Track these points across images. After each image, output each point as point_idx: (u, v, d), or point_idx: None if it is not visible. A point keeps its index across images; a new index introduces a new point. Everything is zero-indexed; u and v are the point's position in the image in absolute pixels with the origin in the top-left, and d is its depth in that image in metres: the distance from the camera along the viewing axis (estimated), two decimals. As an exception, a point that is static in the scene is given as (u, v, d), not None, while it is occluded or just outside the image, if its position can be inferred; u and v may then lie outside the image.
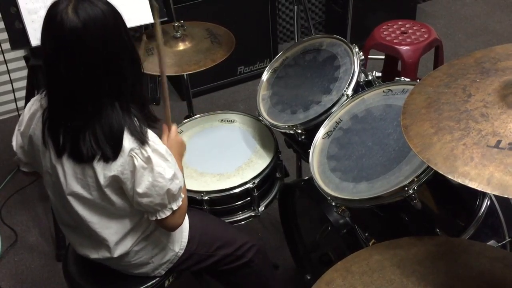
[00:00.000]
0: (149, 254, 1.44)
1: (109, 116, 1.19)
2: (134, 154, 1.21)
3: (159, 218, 1.30)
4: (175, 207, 1.30)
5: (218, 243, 1.56)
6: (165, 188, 1.25)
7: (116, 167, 1.21)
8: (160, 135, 1.30)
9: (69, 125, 1.20)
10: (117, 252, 1.38)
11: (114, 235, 1.35)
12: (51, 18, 1.12)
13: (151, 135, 1.25)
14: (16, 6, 1.78)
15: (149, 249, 1.43)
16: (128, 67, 1.21)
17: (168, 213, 1.30)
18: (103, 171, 1.22)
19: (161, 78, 1.53)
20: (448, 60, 1.21)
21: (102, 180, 1.23)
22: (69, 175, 1.25)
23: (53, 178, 1.30)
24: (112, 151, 1.20)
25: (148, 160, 1.22)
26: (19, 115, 1.37)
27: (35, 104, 1.30)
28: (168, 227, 1.36)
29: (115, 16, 1.17)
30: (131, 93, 1.23)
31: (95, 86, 1.17)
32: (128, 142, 1.21)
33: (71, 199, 1.29)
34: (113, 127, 1.19)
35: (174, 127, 1.49)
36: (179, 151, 1.49)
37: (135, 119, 1.24)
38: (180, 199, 1.32)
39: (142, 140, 1.22)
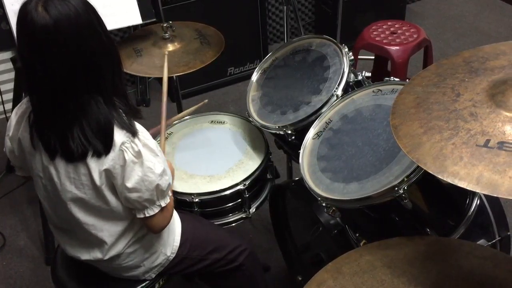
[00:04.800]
0: (141, 257, 1.43)
1: (95, 111, 1.17)
2: (125, 148, 1.20)
3: (147, 215, 1.28)
4: (163, 204, 1.29)
5: (210, 247, 1.56)
6: (155, 183, 1.24)
7: (108, 161, 1.20)
8: (145, 126, 1.29)
9: (54, 124, 1.18)
10: (109, 254, 1.37)
11: (109, 237, 1.34)
12: (22, 18, 1.10)
13: (140, 128, 1.24)
14: (2, 7, 1.76)
15: (141, 252, 1.42)
16: (105, 61, 1.19)
17: (156, 210, 1.29)
18: (97, 167, 1.21)
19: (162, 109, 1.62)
20: (437, 60, 1.21)
21: (96, 178, 1.22)
22: (62, 175, 1.24)
23: (44, 180, 1.29)
24: (103, 145, 1.19)
25: (138, 155, 1.21)
26: (6, 118, 1.35)
27: (22, 107, 1.29)
28: (155, 227, 1.34)
29: (88, 10, 1.14)
30: (112, 86, 1.22)
31: (74, 83, 1.15)
32: (118, 135, 1.20)
33: (66, 201, 1.27)
34: (100, 121, 1.18)
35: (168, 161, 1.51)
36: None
37: (121, 112, 1.23)
38: (168, 197, 1.31)
39: (132, 132, 1.21)
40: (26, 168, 1.36)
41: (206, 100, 1.86)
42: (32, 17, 1.08)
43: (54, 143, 1.20)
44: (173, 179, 1.55)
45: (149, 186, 1.24)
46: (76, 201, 1.27)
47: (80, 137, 1.17)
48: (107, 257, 1.37)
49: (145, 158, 1.22)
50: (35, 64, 1.12)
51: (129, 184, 1.22)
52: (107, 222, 1.32)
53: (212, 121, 2.01)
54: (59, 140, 1.19)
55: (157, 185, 1.25)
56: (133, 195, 1.24)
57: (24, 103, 1.28)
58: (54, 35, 1.09)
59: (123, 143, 1.20)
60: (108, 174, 1.22)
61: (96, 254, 1.37)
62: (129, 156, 1.20)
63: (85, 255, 1.39)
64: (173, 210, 1.38)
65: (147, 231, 1.39)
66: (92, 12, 1.15)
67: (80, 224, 1.31)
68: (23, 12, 1.10)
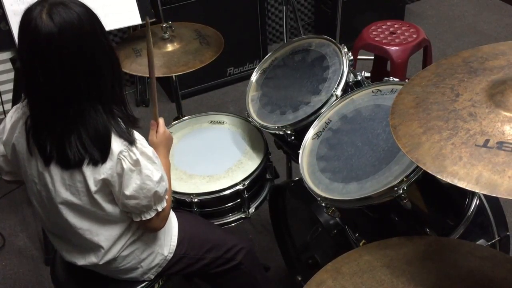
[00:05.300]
0: (137, 258, 1.43)
1: (93, 119, 1.18)
2: (123, 157, 1.20)
3: (143, 219, 1.30)
4: (160, 208, 1.30)
5: (208, 246, 1.56)
6: (153, 190, 1.25)
7: (106, 170, 1.20)
8: (144, 135, 1.29)
9: (53, 131, 1.18)
10: (105, 258, 1.36)
11: (105, 241, 1.34)
12: (26, 25, 1.10)
13: (138, 136, 1.25)
14: (1, 7, 1.76)
15: (137, 254, 1.42)
16: (106, 69, 1.19)
17: (153, 214, 1.30)
18: (93, 175, 1.21)
19: (150, 76, 1.52)
20: (437, 60, 1.21)
21: (92, 185, 1.22)
22: (57, 182, 1.23)
23: (38, 186, 1.28)
24: (100, 153, 1.19)
25: (136, 163, 1.21)
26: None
27: (17, 112, 1.28)
28: (151, 228, 1.36)
29: (91, 18, 1.15)
30: (112, 94, 1.22)
31: (75, 90, 1.15)
32: (116, 144, 1.20)
33: (61, 207, 1.27)
34: (98, 129, 1.18)
35: (161, 121, 1.49)
36: (168, 145, 1.51)
37: (120, 121, 1.23)
38: (165, 201, 1.32)
39: (130, 140, 1.21)
40: (17, 172, 1.36)
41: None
42: (36, 24, 1.08)
43: (50, 150, 1.20)
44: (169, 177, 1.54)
45: (147, 194, 1.24)
46: (71, 207, 1.27)
47: (77, 145, 1.18)
48: (102, 261, 1.37)
49: (143, 166, 1.22)
50: (37, 70, 1.12)
51: (127, 192, 1.22)
52: (103, 226, 1.32)
53: (211, 121, 2.01)
54: (56, 147, 1.19)
55: (155, 192, 1.25)
56: (131, 202, 1.24)
57: (20, 108, 1.28)
58: (57, 42, 1.09)
59: (121, 152, 1.20)
60: (106, 182, 1.22)
61: (92, 259, 1.37)
62: (127, 164, 1.20)
63: (81, 261, 1.39)
64: (170, 212, 1.39)
65: (142, 233, 1.40)
66: (95, 20, 1.16)
67: (75, 229, 1.31)
68: (27, 19, 1.10)
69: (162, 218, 1.35)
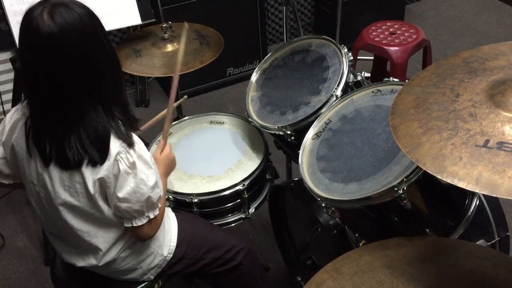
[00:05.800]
0: (136, 260, 1.43)
1: (93, 120, 1.18)
2: (120, 158, 1.20)
3: (134, 225, 1.28)
4: (151, 215, 1.29)
5: (207, 246, 1.56)
6: (146, 195, 1.24)
7: (103, 171, 1.20)
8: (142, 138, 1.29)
9: (53, 131, 1.18)
10: (104, 260, 1.36)
11: (104, 244, 1.34)
12: (27, 25, 1.10)
13: (137, 139, 1.25)
14: (1, 7, 1.76)
15: (136, 255, 1.42)
16: (107, 70, 1.19)
17: (144, 221, 1.29)
18: (92, 176, 1.21)
19: (171, 91, 1.59)
20: (437, 60, 1.21)
21: (91, 186, 1.22)
22: (56, 183, 1.24)
23: (37, 187, 1.28)
24: (100, 154, 1.19)
25: (132, 166, 1.21)
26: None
27: (17, 113, 1.28)
28: (141, 236, 1.34)
29: (92, 19, 1.15)
30: (113, 96, 1.22)
31: (75, 91, 1.16)
32: (114, 145, 1.20)
33: (60, 208, 1.27)
34: (98, 130, 1.18)
35: (168, 145, 1.53)
36: (169, 167, 1.53)
37: (119, 122, 1.23)
38: (158, 209, 1.31)
39: (128, 142, 1.21)
40: (16, 175, 1.36)
41: (186, 96, 1.88)
42: (37, 24, 1.08)
43: (50, 150, 1.20)
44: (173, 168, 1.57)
45: (140, 198, 1.23)
46: (70, 208, 1.27)
47: (77, 145, 1.18)
48: (101, 263, 1.37)
49: (139, 170, 1.22)
50: (37, 71, 1.12)
51: (121, 194, 1.22)
52: (101, 228, 1.32)
53: (211, 122, 2.01)
54: (55, 147, 1.19)
55: (148, 197, 1.25)
56: (123, 205, 1.24)
57: (19, 109, 1.28)
58: (58, 42, 1.09)
59: (118, 153, 1.20)
60: (101, 183, 1.22)
61: (91, 261, 1.37)
62: (123, 166, 1.20)
63: (80, 262, 1.39)
64: (161, 222, 1.38)
65: None
66: (96, 21, 1.16)
67: (74, 230, 1.31)
68: (28, 19, 1.10)
69: (153, 226, 1.33)
